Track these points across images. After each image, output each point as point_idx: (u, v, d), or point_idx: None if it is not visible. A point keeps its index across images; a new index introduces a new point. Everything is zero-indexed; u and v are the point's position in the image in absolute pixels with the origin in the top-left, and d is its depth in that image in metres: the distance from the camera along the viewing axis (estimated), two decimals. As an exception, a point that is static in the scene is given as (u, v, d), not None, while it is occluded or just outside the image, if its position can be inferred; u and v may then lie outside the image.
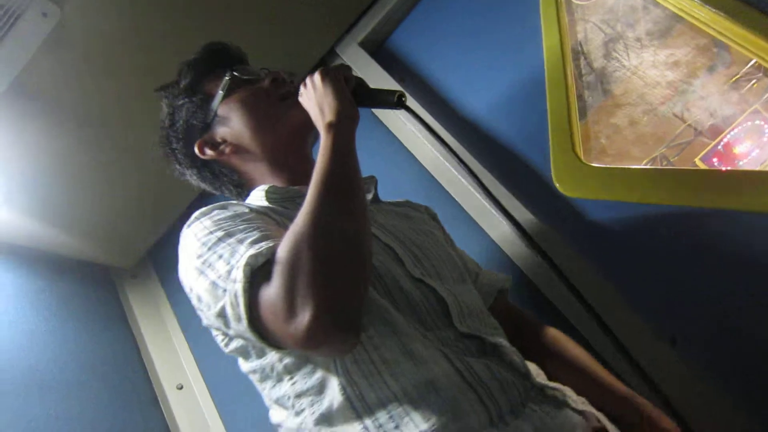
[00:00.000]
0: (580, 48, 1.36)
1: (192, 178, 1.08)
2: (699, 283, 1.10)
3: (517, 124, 1.36)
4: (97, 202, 1.50)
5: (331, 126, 0.80)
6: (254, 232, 0.72)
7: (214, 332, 0.83)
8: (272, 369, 0.77)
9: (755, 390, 1.00)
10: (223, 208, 0.83)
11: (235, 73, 1.00)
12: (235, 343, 0.80)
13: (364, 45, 1.59)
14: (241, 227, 0.74)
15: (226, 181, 1.04)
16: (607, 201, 1.19)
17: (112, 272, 1.77)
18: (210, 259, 0.72)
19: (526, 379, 0.75)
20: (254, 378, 0.82)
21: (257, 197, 0.93)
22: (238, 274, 0.66)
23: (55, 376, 1.34)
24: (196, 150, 1.00)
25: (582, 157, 1.25)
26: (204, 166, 1.04)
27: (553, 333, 1.00)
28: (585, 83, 1.36)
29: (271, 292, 0.64)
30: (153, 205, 1.64)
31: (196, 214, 0.83)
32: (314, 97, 0.86)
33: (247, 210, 0.81)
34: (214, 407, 1.52)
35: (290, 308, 0.62)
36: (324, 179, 0.73)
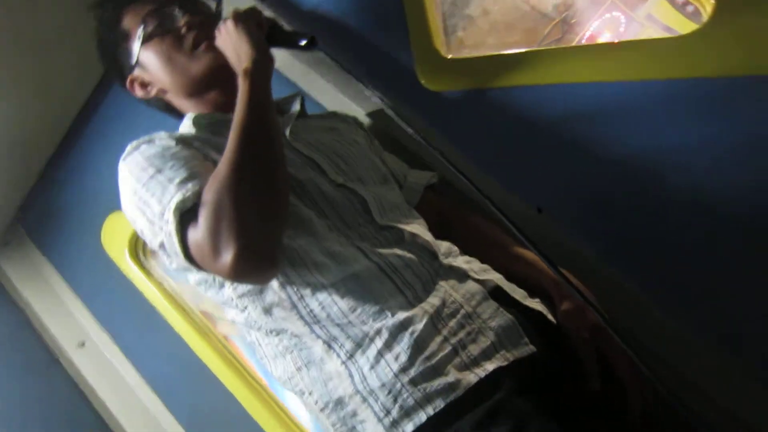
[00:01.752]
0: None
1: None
2: (561, 155, 1.20)
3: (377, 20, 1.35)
4: None
5: (246, 73, 0.84)
6: (181, 170, 0.80)
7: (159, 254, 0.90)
8: (214, 279, 0.86)
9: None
10: (150, 142, 0.87)
11: (148, 27, 0.99)
12: (192, 276, 0.89)
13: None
14: (169, 164, 0.81)
15: (163, 109, 1.08)
16: (471, 90, 1.25)
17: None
18: (144, 197, 0.80)
19: (434, 259, 0.86)
20: (202, 288, 0.90)
21: (186, 125, 0.98)
22: (170, 216, 0.75)
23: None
24: (128, 88, 1.05)
25: (442, 51, 1.29)
26: (141, 98, 1.07)
27: (475, 219, 1.08)
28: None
29: (198, 234, 0.74)
30: (12, 162, 1.51)
31: (128, 147, 0.88)
32: (229, 44, 0.89)
33: (173, 143, 0.86)
34: (122, 355, 1.51)
35: (215, 248, 0.72)
36: (242, 127, 0.79)
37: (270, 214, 0.77)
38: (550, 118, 1.19)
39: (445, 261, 0.87)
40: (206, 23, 1.02)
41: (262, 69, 0.85)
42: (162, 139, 0.88)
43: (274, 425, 1.32)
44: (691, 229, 1.00)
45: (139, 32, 0.99)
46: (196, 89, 1.01)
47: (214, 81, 1.02)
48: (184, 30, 0.99)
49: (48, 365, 1.47)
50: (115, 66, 1.07)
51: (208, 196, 0.74)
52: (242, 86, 0.83)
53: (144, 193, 0.80)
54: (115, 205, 1.48)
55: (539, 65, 1.20)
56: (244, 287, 0.84)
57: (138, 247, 1.54)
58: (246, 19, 0.90)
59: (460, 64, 1.25)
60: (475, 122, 1.25)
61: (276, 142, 0.82)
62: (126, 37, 1.02)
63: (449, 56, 1.25)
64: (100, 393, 1.45)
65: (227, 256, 0.71)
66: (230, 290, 0.85)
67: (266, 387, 1.37)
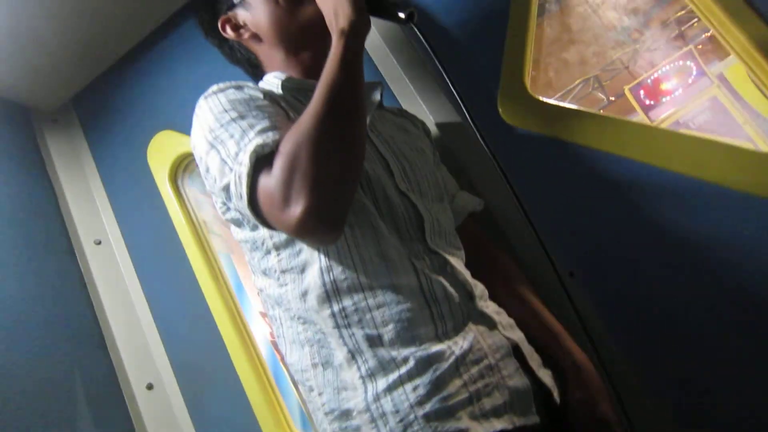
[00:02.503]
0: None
1: (217, 48, 1.14)
2: (599, 222, 1.20)
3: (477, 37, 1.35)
4: (26, 31, 1.38)
5: (342, 33, 0.83)
6: (264, 120, 0.81)
7: (215, 198, 0.92)
8: (263, 243, 0.87)
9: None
10: (239, 88, 0.89)
11: None
12: (232, 213, 0.89)
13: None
14: (253, 112, 0.82)
15: (242, 59, 1.10)
16: (543, 135, 1.25)
17: (32, 114, 1.67)
18: (222, 136, 0.81)
19: (470, 301, 0.87)
20: (245, 247, 0.92)
21: (272, 84, 0.99)
22: (245, 158, 0.76)
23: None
24: (219, 26, 1.06)
25: (528, 86, 1.28)
26: (225, 41, 1.10)
27: (505, 261, 1.10)
28: (546, 10, 1.36)
29: (271, 181, 0.74)
30: (85, 48, 1.54)
31: (213, 88, 0.89)
32: (329, 1, 0.88)
33: (260, 95, 0.88)
34: (131, 264, 1.54)
35: (285, 199, 0.73)
36: (331, 84, 0.79)
37: (345, 175, 0.76)
38: (609, 188, 1.19)
39: (479, 304, 0.87)
40: None
41: (358, 31, 0.85)
42: (250, 88, 0.90)
43: (253, 386, 1.36)
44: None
45: None
46: (292, 44, 1.02)
47: (311, 37, 1.03)
48: None
49: (63, 252, 1.51)
50: (209, 5, 1.09)
51: (287, 145, 0.74)
52: (336, 45, 0.83)
53: (221, 132, 0.81)
54: (166, 124, 1.55)
55: (619, 136, 1.20)
56: (288, 261, 0.84)
57: (179, 172, 1.57)
58: None
59: (543, 108, 1.25)
60: (535, 166, 1.25)
61: (362, 106, 0.82)
62: None
63: (536, 96, 1.25)
64: (102, 294, 1.49)
65: (296, 209, 0.72)
66: (275, 260, 0.86)
67: (261, 356, 1.41)
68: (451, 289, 0.84)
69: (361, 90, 0.83)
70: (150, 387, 1.43)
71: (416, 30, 0.92)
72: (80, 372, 1.33)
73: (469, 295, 0.87)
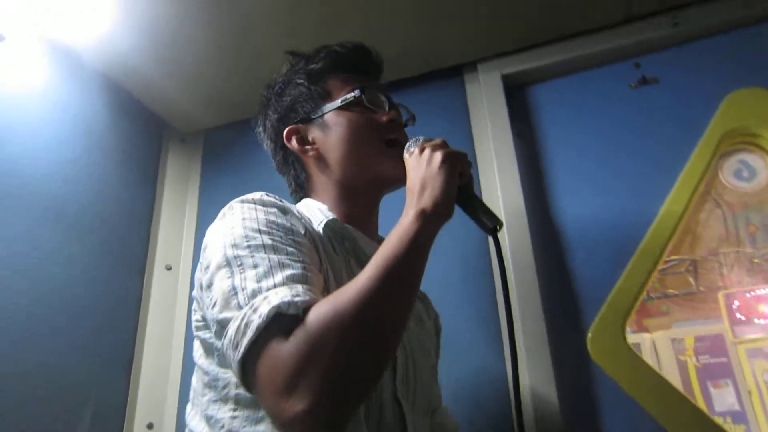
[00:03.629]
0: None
1: (267, 149, 1.08)
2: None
3: (593, 258, 1.31)
4: (192, 54, 1.45)
5: (422, 213, 0.75)
6: (297, 266, 0.71)
7: (195, 310, 0.85)
8: (224, 387, 0.78)
9: None
10: (284, 212, 0.82)
11: (363, 96, 0.97)
12: (208, 336, 0.81)
13: (507, 78, 1.49)
14: (288, 249, 0.73)
15: (291, 174, 1.04)
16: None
17: (166, 128, 1.77)
18: (244, 260, 0.71)
19: None
20: (200, 378, 0.83)
21: (315, 216, 0.91)
22: (263, 310, 0.63)
23: (76, 209, 1.39)
24: (285, 133, 1.00)
25: (627, 326, 1.23)
26: (282, 148, 1.03)
27: None
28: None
29: (281, 356, 0.61)
30: (238, 90, 1.60)
31: (255, 196, 0.82)
32: (422, 171, 0.81)
33: (302, 231, 0.80)
34: (187, 297, 1.58)
35: (289, 387, 0.60)
36: (390, 265, 0.69)
37: (369, 377, 0.65)
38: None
39: None
40: (401, 126, 1.01)
41: (439, 217, 0.77)
42: (293, 216, 0.83)
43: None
44: None
45: (344, 95, 0.97)
46: (356, 183, 0.96)
47: (374, 190, 0.99)
48: (384, 119, 0.97)
49: (135, 269, 1.57)
50: (283, 109, 1.02)
51: (316, 324, 0.62)
52: (409, 224, 0.74)
53: (246, 255, 0.72)
54: (270, 189, 1.60)
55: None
56: (242, 425, 0.74)
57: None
58: (454, 162, 0.82)
59: (635, 365, 1.19)
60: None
61: (413, 300, 0.72)
62: (322, 95, 0.99)
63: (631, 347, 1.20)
64: (150, 319, 1.54)
65: (298, 405, 0.59)
66: (227, 415, 0.77)
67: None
68: None
69: (421, 276, 0.73)
70: (150, 427, 1.45)
71: (496, 243, 0.84)
72: (96, 392, 1.36)
73: None
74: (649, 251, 1.26)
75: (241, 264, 0.71)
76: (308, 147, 0.98)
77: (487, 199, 1.34)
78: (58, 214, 1.34)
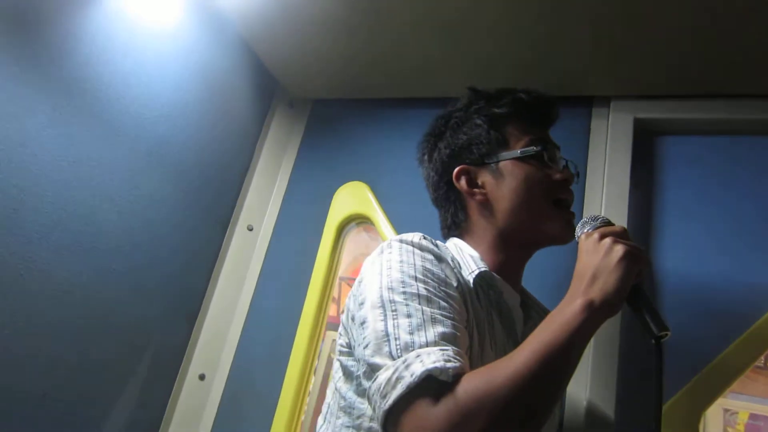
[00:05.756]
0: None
1: (428, 178, 1.09)
2: None
3: (684, 329, 1.23)
4: (332, 26, 1.41)
5: (590, 306, 0.72)
6: (448, 323, 0.75)
7: (341, 335, 0.92)
8: (358, 417, 0.85)
9: None
10: (440, 259, 0.85)
11: (544, 152, 0.97)
12: (351, 363, 0.88)
13: (638, 123, 1.39)
14: (441, 303, 0.77)
15: (450, 211, 1.04)
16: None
17: (278, 89, 1.76)
18: (399, 308, 0.75)
19: None
20: (336, 400, 0.89)
21: (466, 263, 0.93)
22: (416, 368, 0.67)
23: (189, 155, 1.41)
24: (455, 172, 1.01)
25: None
26: (447, 184, 1.04)
27: None
28: None
29: (429, 418, 0.65)
30: (361, 72, 1.57)
31: (414, 238, 0.86)
32: (597, 259, 0.77)
33: (454, 284, 0.84)
34: (262, 260, 1.61)
35: None
36: (548, 352, 0.69)
37: None
38: None
39: None
40: (570, 188, 1.00)
41: (604, 316, 0.74)
42: (447, 266, 0.86)
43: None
44: None
45: (523, 146, 0.97)
46: (515, 235, 0.96)
47: (531, 246, 1.00)
48: (558, 177, 0.97)
49: (219, 223, 1.59)
50: (457, 146, 1.02)
51: (469, 396, 0.66)
52: (575, 312, 0.72)
53: (401, 301, 0.76)
54: (373, 175, 1.58)
55: None
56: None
57: (349, 224, 1.61)
58: (635, 260, 0.77)
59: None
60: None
61: (564, 390, 0.75)
62: (500, 141, 0.99)
63: None
64: (222, 275, 1.57)
65: None
66: (367, 426, 0.84)
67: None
68: None
69: (574, 369, 0.74)
70: (202, 378, 1.49)
71: (658, 350, 0.79)
72: (157, 337, 1.41)
73: None
74: (753, 342, 1.17)
75: (395, 310, 0.75)
76: (476, 190, 0.99)
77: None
78: (162, 156, 1.37)
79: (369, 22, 1.36)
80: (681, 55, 1.26)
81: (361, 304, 0.81)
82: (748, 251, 1.25)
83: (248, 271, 1.61)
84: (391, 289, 0.78)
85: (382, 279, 0.80)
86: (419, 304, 0.76)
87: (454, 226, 1.03)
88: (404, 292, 0.77)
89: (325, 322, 1.54)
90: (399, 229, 1.50)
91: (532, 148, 0.97)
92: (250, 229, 1.64)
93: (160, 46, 1.35)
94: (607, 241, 0.78)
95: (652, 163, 1.40)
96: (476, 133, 1.01)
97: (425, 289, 0.78)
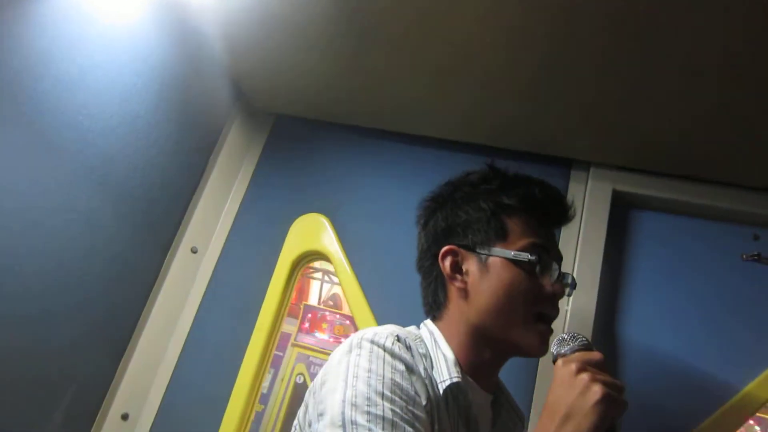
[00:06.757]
0: None
1: (419, 242, 1.03)
2: None
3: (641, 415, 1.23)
4: (308, 41, 1.26)
5: None
6: None
7: (299, 417, 0.87)
8: None
9: None
10: (410, 371, 0.80)
11: (529, 254, 0.89)
12: None
13: (617, 195, 1.37)
14: (407, 429, 0.72)
15: (431, 287, 0.98)
16: None
17: (237, 101, 1.60)
18: (360, 430, 0.70)
19: None
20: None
21: (439, 365, 0.87)
22: None
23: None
24: (443, 250, 0.94)
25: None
26: (433, 257, 0.97)
27: None
28: None
29: None
30: (333, 95, 1.42)
31: (386, 342, 0.80)
32: (571, 398, 0.72)
33: (424, 401, 0.79)
34: (204, 285, 1.48)
35: None
36: None
37: None
38: None
39: None
40: (557, 303, 0.94)
41: None
42: (419, 380, 0.80)
43: None
44: None
45: (519, 248, 0.90)
46: (486, 338, 0.90)
47: (507, 352, 0.94)
48: (548, 291, 0.90)
49: (161, 244, 1.44)
50: (454, 223, 0.96)
51: None
52: None
53: (363, 423, 0.70)
54: (328, 209, 1.48)
55: None
56: None
57: (303, 262, 1.49)
58: (611, 406, 0.71)
59: None
60: None
61: None
62: (498, 231, 0.92)
63: None
64: (158, 302, 1.42)
65: None
66: None
67: None
68: None
69: None
70: (124, 417, 1.34)
71: None
72: (82, 372, 1.25)
73: None
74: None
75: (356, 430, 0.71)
76: (458, 276, 0.93)
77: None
78: (105, 175, 1.20)
79: (352, 45, 1.23)
80: (661, 135, 1.24)
81: (321, 415, 0.75)
82: (707, 336, 1.27)
83: (189, 298, 1.46)
84: (354, 405, 0.72)
85: (347, 391, 0.74)
86: (383, 429, 0.71)
87: (435, 306, 0.97)
88: (368, 413, 0.72)
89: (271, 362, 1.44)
90: (360, 275, 1.41)
91: (527, 255, 0.89)
92: (194, 251, 1.49)
93: (112, 50, 1.16)
94: (585, 377, 0.73)
95: (626, 234, 1.39)
96: (477, 216, 0.94)
97: (391, 410, 0.73)
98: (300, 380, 2.68)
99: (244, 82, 1.51)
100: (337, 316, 1.74)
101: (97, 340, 1.28)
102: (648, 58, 1.05)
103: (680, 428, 1.20)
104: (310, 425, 0.80)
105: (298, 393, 2.74)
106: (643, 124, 1.22)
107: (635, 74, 1.09)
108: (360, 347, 0.79)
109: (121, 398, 1.34)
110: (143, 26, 1.23)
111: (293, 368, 2.78)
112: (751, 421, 1.26)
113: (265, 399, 1.48)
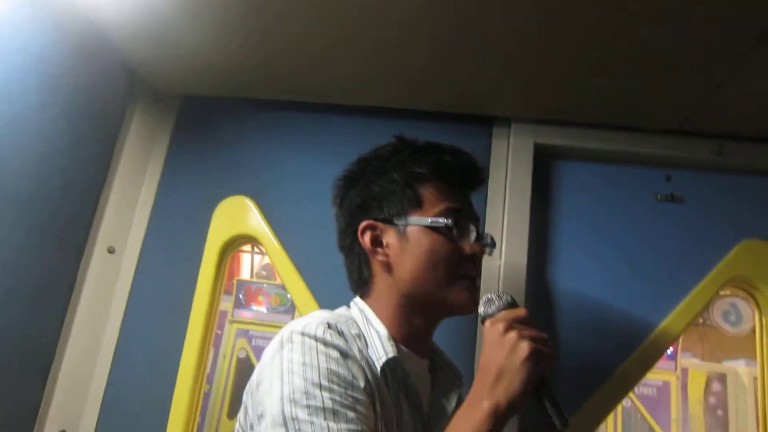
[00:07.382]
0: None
1: (337, 222, 1.03)
2: None
3: (577, 352, 1.30)
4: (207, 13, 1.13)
5: (496, 411, 0.73)
6: None
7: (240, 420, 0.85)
8: None
9: None
10: (345, 356, 0.80)
11: (445, 218, 0.91)
12: None
13: (538, 147, 1.39)
14: (349, 414, 0.73)
15: (355, 264, 0.98)
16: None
17: (137, 85, 1.46)
18: (302, 427, 0.71)
19: None
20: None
21: (373, 343, 0.88)
22: None
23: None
24: (361, 225, 0.95)
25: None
26: (353, 234, 0.97)
27: None
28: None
29: None
30: (240, 66, 1.30)
31: (318, 330, 0.80)
32: (501, 357, 0.75)
33: (362, 384, 0.79)
34: (128, 286, 1.39)
35: None
36: None
37: None
38: None
39: None
40: (480, 263, 0.97)
41: (512, 411, 0.74)
42: (355, 364, 0.80)
43: None
44: None
45: (434, 214, 0.92)
46: (418, 302, 0.92)
47: (438, 313, 0.96)
48: (467, 251, 0.92)
49: (73, 244, 1.33)
50: (368, 198, 0.96)
51: None
52: (480, 422, 0.72)
53: (304, 418, 0.71)
54: (251, 190, 1.41)
55: None
56: None
57: (233, 246, 1.44)
58: (539, 360, 0.76)
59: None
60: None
61: None
62: (413, 201, 0.93)
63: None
64: (81, 306, 1.33)
65: None
66: None
67: None
68: None
69: None
70: (62, 434, 1.28)
71: None
72: (10, 395, 1.17)
73: None
74: (642, 358, 1.27)
75: (299, 429, 0.71)
76: (380, 250, 0.94)
77: (486, 265, 1.26)
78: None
79: (253, 17, 1.13)
80: (577, 85, 1.25)
81: (261, 416, 0.76)
82: (628, 276, 1.34)
83: (112, 304, 1.37)
84: (293, 401, 0.73)
85: (284, 388, 0.74)
86: (324, 419, 0.72)
87: (361, 282, 0.98)
88: (308, 406, 0.72)
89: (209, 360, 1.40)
90: (292, 253, 1.37)
91: (443, 220, 0.91)
92: (111, 252, 1.39)
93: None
94: (513, 336, 0.76)
95: (550, 186, 1.42)
96: (390, 188, 0.94)
97: (330, 399, 0.74)
98: (243, 354, 2.69)
99: (140, 66, 1.38)
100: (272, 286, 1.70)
101: (21, 361, 1.19)
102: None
103: (609, 366, 1.28)
104: (252, 428, 0.80)
105: (242, 367, 2.74)
106: (560, 76, 1.22)
107: (550, 25, 1.07)
108: (291, 341, 0.79)
109: (55, 416, 1.27)
110: (14, 16, 1.08)
111: (234, 344, 2.78)
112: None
113: (209, 379, 1.44)
